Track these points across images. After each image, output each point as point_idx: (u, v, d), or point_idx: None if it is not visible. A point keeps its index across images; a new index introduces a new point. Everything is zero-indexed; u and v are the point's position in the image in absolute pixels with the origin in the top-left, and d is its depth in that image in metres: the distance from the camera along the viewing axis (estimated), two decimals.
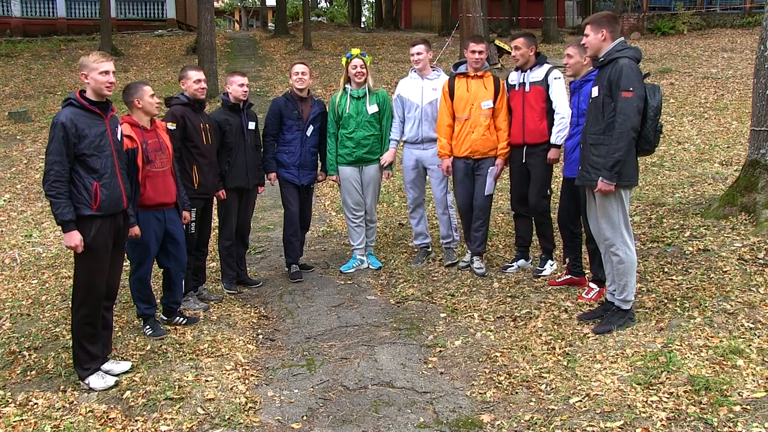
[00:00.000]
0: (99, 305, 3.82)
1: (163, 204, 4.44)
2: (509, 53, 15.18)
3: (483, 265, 5.55)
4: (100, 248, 3.74)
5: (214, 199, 5.22)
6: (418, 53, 5.61)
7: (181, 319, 4.69)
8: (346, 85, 5.72)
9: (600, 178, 3.96)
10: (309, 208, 5.94)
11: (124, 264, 4.23)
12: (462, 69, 5.46)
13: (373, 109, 5.66)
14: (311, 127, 5.62)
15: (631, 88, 3.86)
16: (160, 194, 4.40)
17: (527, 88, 5.16)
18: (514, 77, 5.27)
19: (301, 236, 5.87)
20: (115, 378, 3.83)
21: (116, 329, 4.44)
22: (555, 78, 5.11)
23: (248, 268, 5.89)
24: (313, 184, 5.83)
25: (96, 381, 3.77)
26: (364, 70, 5.61)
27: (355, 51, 5.67)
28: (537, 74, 5.15)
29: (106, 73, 3.71)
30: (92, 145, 3.66)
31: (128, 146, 4.15)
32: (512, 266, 5.50)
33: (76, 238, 3.62)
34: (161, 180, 4.41)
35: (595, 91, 4.12)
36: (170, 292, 4.64)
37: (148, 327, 4.49)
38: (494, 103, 5.34)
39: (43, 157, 3.75)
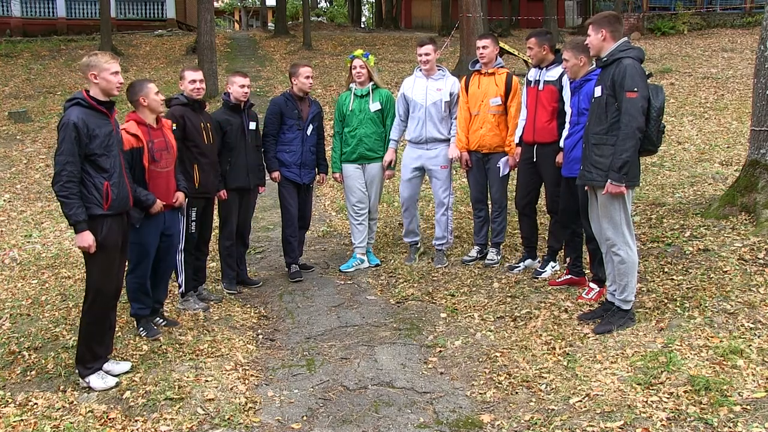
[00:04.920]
0: (109, 305, 3.85)
1: (164, 205, 4.41)
2: (510, 53, 15.29)
3: (497, 257, 5.66)
4: (112, 247, 3.76)
5: (215, 198, 5.23)
6: (426, 54, 5.62)
7: (161, 320, 4.62)
8: (351, 85, 5.82)
9: (609, 180, 3.95)
10: (309, 207, 5.97)
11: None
12: (477, 66, 5.60)
13: (375, 106, 5.70)
14: (310, 126, 5.66)
15: (635, 89, 3.85)
16: (162, 195, 4.36)
17: (541, 86, 5.14)
18: (532, 74, 5.28)
19: (300, 236, 5.89)
20: (116, 378, 3.83)
21: (116, 329, 4.43)
22: (569, 79, 5.06)
23: (248, 268, 5.89)
24: (312, 182, 5.86)
25: (96, 381, 3.77)
26: (364, 70, 5.69)
27: (358, 52, 5.78)
28: (552, 73, 5.11)
29: (117, 73, 3.74)
30: (102, 145, 3.68)
31: (134, 145, 4.12)
32: (519, 266, 5.48)
33: (88, 238, 3.63)
34: (164, 180, 4.39)
35: (598, 91, 4.11)
36: (156, 290, 4.56)
37: (141, 328, 4.45)
38: (505, 100, 5.40)
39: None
